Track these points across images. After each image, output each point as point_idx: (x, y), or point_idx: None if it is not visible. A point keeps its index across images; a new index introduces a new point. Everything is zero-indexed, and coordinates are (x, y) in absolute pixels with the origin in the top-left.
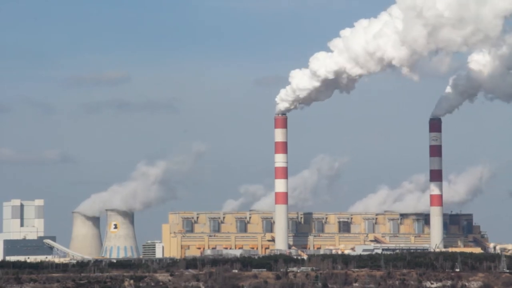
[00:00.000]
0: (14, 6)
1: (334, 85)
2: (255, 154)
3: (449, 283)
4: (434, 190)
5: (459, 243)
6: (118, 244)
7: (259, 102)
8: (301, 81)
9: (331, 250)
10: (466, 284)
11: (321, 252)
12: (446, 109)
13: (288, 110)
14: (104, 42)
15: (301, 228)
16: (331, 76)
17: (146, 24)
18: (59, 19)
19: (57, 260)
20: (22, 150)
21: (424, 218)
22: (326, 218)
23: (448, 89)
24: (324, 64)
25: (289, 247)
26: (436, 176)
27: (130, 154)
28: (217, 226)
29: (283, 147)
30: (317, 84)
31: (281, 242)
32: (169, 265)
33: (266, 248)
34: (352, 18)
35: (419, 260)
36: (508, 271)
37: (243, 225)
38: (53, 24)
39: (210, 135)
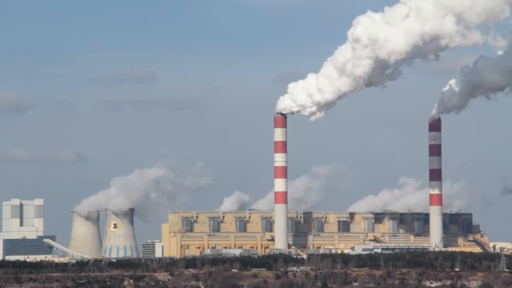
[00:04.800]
0: (38, 3)
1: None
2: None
3: (448, 282)
4: (433, 189)
5: (460, 240)
6: (118, 243)
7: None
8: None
9: (330, 249)
10: (466, 283)
11: (321, 251)
12: (446, 108)
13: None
14: (129, 40)
15: (301, 227)
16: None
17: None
18: (83, 16)
19: (56, 259)
20: (37, 149)
21: (423, 218)
22: (326, 217)
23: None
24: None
25: (289, 246)
26: (435, 175)
27: (140, 154)
28: (216, 226)
29: (283, 147)
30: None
31: (280, 242)
32: (169, 264)
33: (265, 248)
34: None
35: (419, 260)
36: (507, 270)
37: (242, 225)
38: (77, 21)
39: (222, 134)
